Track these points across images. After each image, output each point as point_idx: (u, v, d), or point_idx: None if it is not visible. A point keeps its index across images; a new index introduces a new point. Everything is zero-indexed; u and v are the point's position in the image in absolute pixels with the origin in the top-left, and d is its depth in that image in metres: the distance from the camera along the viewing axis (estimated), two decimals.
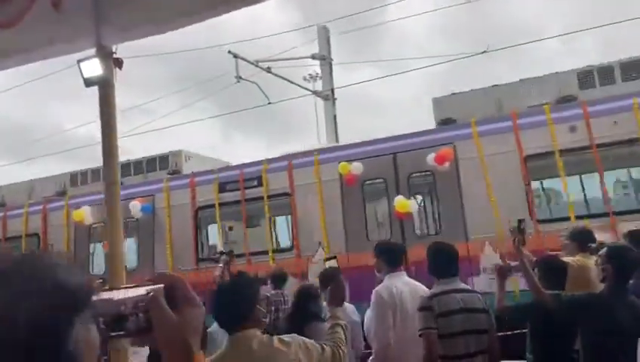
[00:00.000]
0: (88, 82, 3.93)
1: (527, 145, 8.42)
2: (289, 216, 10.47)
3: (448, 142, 9.01)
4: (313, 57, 15.38)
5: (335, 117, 15.41)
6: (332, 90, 15.39)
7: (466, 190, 8.74)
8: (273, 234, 10.50)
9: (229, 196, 10.82)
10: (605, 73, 8.68)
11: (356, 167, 9.47)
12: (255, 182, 10.60)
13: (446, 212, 8.93)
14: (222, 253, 8.30)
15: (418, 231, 9.14)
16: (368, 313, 4.49)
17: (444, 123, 9.64)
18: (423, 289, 4.21)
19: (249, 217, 10.77)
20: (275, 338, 2.66)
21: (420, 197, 9.31)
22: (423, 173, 9.14)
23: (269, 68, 14.95)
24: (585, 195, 8.64)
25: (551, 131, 8.26)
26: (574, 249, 5.00)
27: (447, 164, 8.80)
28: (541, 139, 8.32)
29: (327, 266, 5.79)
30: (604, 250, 3.76)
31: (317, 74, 15.73)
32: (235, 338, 2.63)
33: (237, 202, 10.66)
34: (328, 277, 4.43)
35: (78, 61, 3.92)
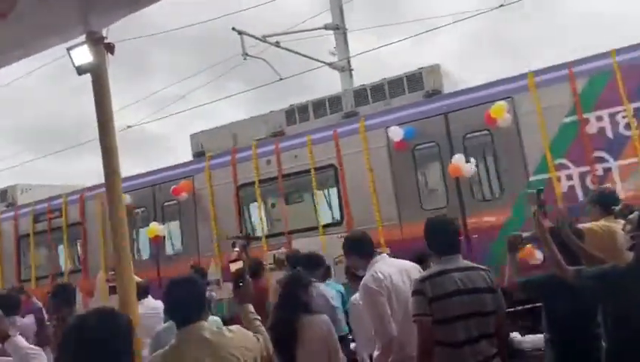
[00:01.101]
0: (80, 70, 3.73)
1: (240, 176, 10.36)
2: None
3: (189, 175, 10.93)
4: (326, 27, 14.68)
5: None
6: (348, 61, 14.69)
7: (200, 216, 10.69)
8: (71, 256, 12.41)
9: (41, 226, 12.76)
10: (303, 111, 10.57)
11: (126, 198, 11.34)
12: (58, 213, 12.53)
13: (187, 234, 10.88)
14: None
15: (168, 252, 11.12)
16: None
17: (198, 155, 11.52)
18: (413, 267, 4.00)
19: (55, 243, 12.66)
20: (224, 327, 2.92)
21: (172, 222, 11.23)
22: (173, 202, 11.05)
23: (277, 42, 14.29)
24: (273, 218, 10.60)
25: (255, 164, 10.20)
26: (597, 213, 4.64)
27: (184, 195, 10.72)
28: (249, 171, 10.25)
29: (232, 269, 6.70)
30: (634, 216, 3.38)
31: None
32: (187, 330, 2.78)
33: (45, 231, 12.60)
34: (239, 278, 4.20)
35: (68, 49, 3.72)
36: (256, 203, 10.26)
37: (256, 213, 10.24)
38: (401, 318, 3.62)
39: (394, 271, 3.80)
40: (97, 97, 3.76)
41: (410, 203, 8.85)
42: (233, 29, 13.62)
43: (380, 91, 9.95)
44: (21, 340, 3.74)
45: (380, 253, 4.09)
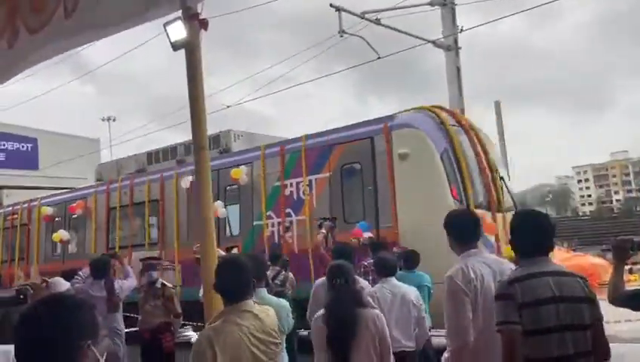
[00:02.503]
0: (175, 46, 3.84)
1: (110, 201, 14.35)
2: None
3: (85, 197, 15.09)
4: (431, 4, 14.30)
5: (459, 69, 14.38)
6: (455, 39, 14.21)
7: (88, 228, 14.82)
8: (20, 248, 17.05)
9: (8, 223, 17.60)
10: (157, 155, 14.34)
11: (48, 210, 15.79)
12: (16, 216, 17.24)
13: (80, 240, 15.08)
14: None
15: (71, 251, 15.35)
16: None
17: (99, 180, 15.65)
18: (509, 268, 3.34)
19: (13, 237, 17.38)
20: (264, 307, 3.15)
21: (74, 231, 15.45)
22: (75, 216, 15.26)
23: (377, 19, 13.98)
24: (124, 234, 14.40)
25: (118, 193, 14.13)
26: None
27: (79, 211, 14.89)
28: (117, 198, 14.19)
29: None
30: None
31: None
32: (236, 306, 2.96)
33: (8, 228, 17.42)
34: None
35: (165, 25, 3.83)
36: (118, 221, 14.24)
37: (116, 229, 14.17)
38: (482, 326, 3.20)
39: (487, 271, 3.34)
40: (190, 73, 3.86)
41: (194, 231, 12.43)
42: (331, 5, 13.50)
43: None
44: None
45: (477, 248, 3.53)
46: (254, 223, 11.36)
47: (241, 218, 11.79)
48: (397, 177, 9.37)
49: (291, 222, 10.79)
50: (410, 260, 7.24)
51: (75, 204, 14.96)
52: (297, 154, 10.85)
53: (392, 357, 3.86)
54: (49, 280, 6.25)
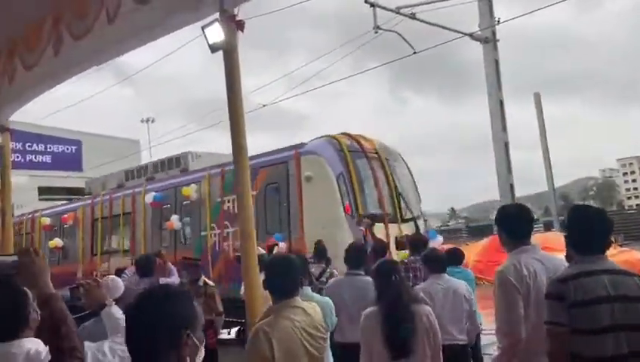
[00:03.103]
0: (213, 48, 3.88)
1: (95, 213, 16.42)
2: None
3: (75, 209, 17.21)
4: None
5: (497, 62, 14.24)
6: (493, 32, 14.00)
7: (78, 235, 16.94)
8: None
9: (14, 232, 19.90)
10: (132, 173, 16.31)
11: (46, 220, 18.01)
12: (22, 225, 19.56)
13: (71, 246, 17.21)
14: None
15: (64, 256, 17.48)
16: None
17: (88, 194, 17.78)
18: (562, 265, 3.25)
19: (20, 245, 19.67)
20: (312, 304, 3.25)
21: (66, 238, 17.57)
22: (66, 226, 17.40)
23: (412, 14, 14.01)
24: (105, 241, 16.38)
25: (100, 206, 16.18)
26: None
27: (70, 221, 17.01)
28: (99, 210, 16.26)
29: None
30: None
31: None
32: (286, 302, 3.08)
33: (15, 235, 19.71)
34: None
35: (203, 27, 3.86)
36: (100, 231, 16.30)
37: (98, 238, 16.23)
38: (535, 323, 3.11)
39: (540, 268, 3.25)
40: (228, 74, 3.91)
41: (157, 241, 14.36)
42: (365, 1, 13.37)
43: (164, 164, 15.43)
44: (117, 310, 3.39)
45: (529, 244, 3.42)
46: (201, 233, 13.18)
47: (192, 229, 13.64)
48: (304, 196, 11.03)
49: (228, 233, 12.56)
50: (456, 257, 7.33)
51: (66, 216, 17.11)
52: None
53: (441, 352, 3.91)
54: (100, 280, 6.75)
